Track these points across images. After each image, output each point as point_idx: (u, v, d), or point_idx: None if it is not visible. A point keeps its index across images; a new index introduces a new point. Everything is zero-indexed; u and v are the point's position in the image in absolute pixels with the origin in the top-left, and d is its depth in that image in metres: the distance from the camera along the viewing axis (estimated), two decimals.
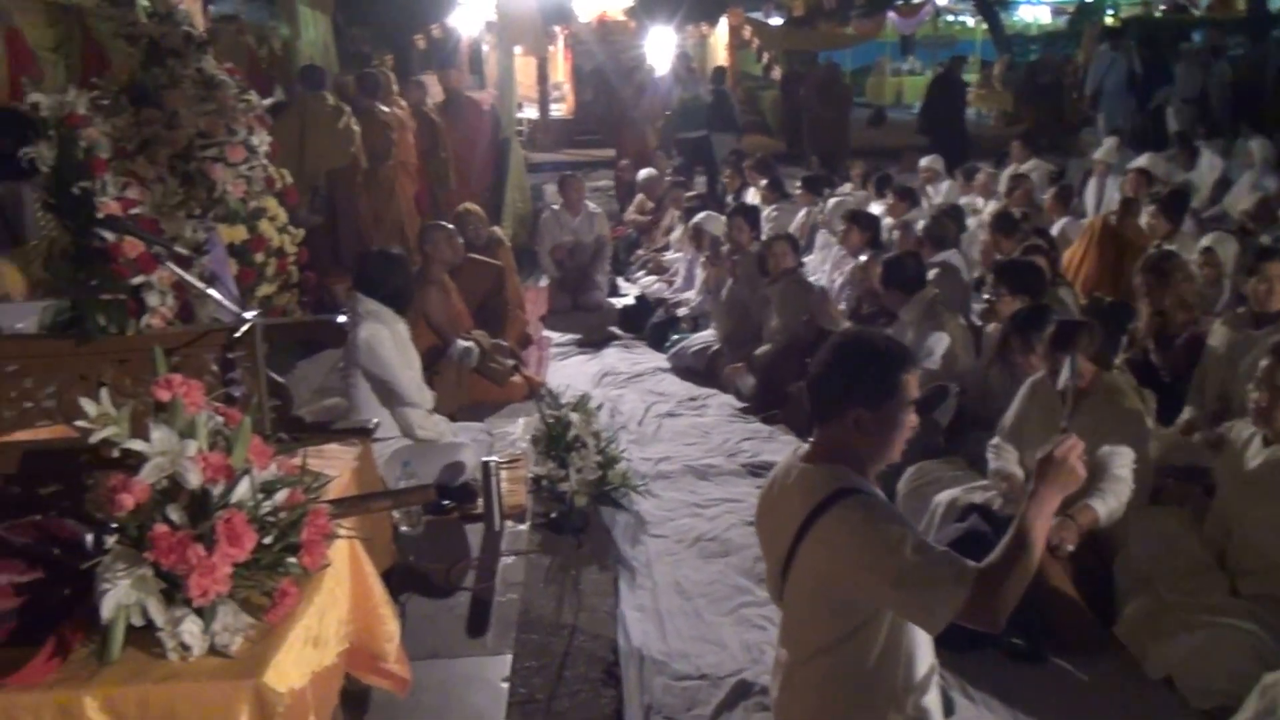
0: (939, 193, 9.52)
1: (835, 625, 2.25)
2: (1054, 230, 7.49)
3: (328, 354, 6.66)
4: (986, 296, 5.35)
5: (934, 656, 2.37)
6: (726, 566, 4.38)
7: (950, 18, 26.46)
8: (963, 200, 8.87)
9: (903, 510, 4.38)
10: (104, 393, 1.93)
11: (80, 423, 1.89)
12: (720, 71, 13.79)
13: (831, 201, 8.81)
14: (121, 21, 5.70)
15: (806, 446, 2.37)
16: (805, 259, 7.52)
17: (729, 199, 10.00)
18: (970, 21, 25.73)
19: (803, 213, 8.96)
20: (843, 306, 6.83)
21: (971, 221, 8.18)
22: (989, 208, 8.35)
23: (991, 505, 3.98)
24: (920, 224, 7.20)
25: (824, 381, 2.28)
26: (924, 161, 10.14)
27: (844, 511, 2.16)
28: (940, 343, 5.08)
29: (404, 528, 4.23)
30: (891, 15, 19.90)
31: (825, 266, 7.68)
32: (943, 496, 4.19)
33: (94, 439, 1.87)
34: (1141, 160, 9.22)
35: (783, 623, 2.47)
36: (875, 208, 8.30)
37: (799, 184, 9.63)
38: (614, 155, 13.78)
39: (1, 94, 5.08)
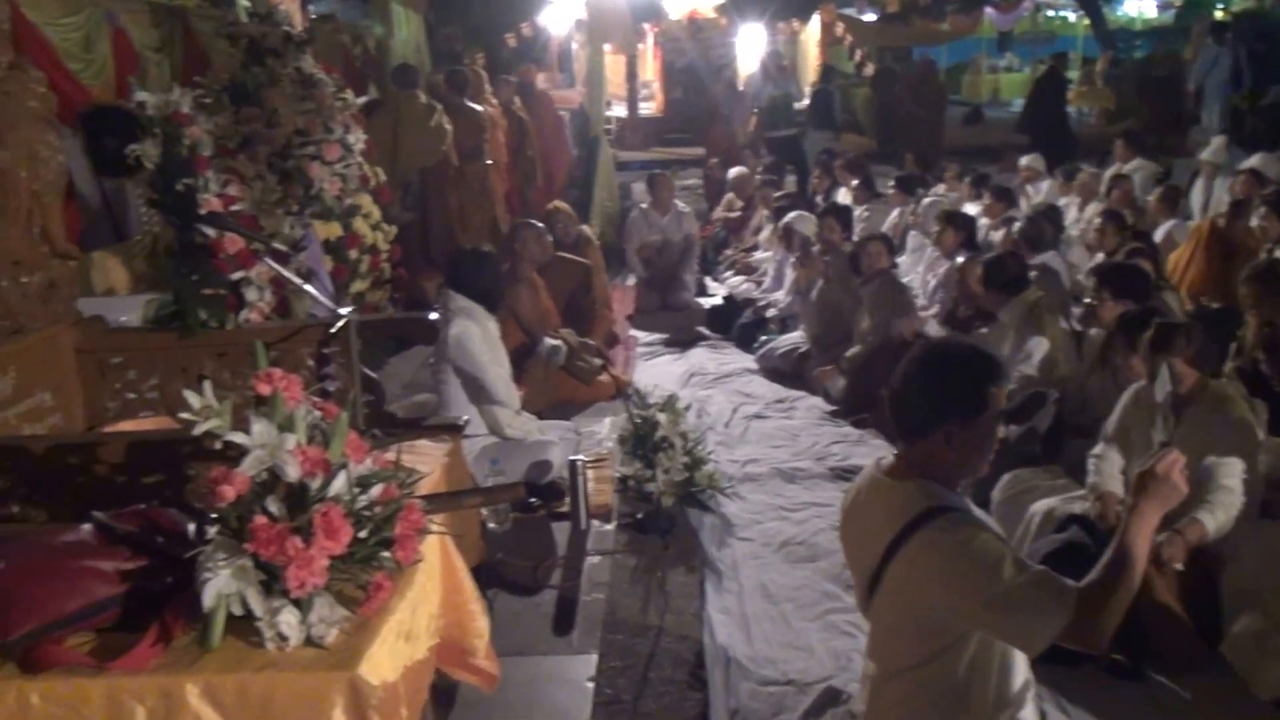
0: (1039, 192, 9.27)
1: (925, 643, 2.18)
2: (1160, 233, 7.24)
3: (418, 350, 6.75)
4: (1088, 300, 5.19)
5: (1030, 671, 2.29)
6: (814, 571, 4.32)
7: (1050, 13, 25.72)
8: (1061, 201, 8.62)
9: (997, 518, 4.28)
10: (207, 386, 1.96)
11: (184, 415, 1.93)
12: (829, 69, 13.65)
13: (925, 202, 8.64)
14: (222, 22, 5.86)
15: (890, 458, 2.29)
16: (897, 260, 7.38)
17: (818, 199, 9.88)
18: (1071, 16, 25.00)
19: (895, 213, 8.81)
20: (936, 309, 6.70)
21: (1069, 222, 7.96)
22: (1089, 211, 8.09)
23: (1091, 515, 3.85)
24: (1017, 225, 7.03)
25: (912, 398, 2.19)
26: (1024, 160, 9.87)
27: (934, 533, 2.08)
28: (1039, 347, 4.93)
29: (491, 524, 4.26)
30: (989, 10, 19.40)
31: (919, 268, 7.54)
32: (1039, 506, 4.08)
33: (197, 431, 1.90)
34: (1253, 160, 8.84)
35: (870, 635, 2.40)
36: (970, 208, 8.12)
37: (891, 184, 9.47)
38: (703, 154, 13.73)
39: (108, 93, 5.25)
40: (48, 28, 4.80)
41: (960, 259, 6.46)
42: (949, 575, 2.07)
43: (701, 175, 12.94)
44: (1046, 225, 6.78)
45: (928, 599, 2.13)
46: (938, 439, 2.14)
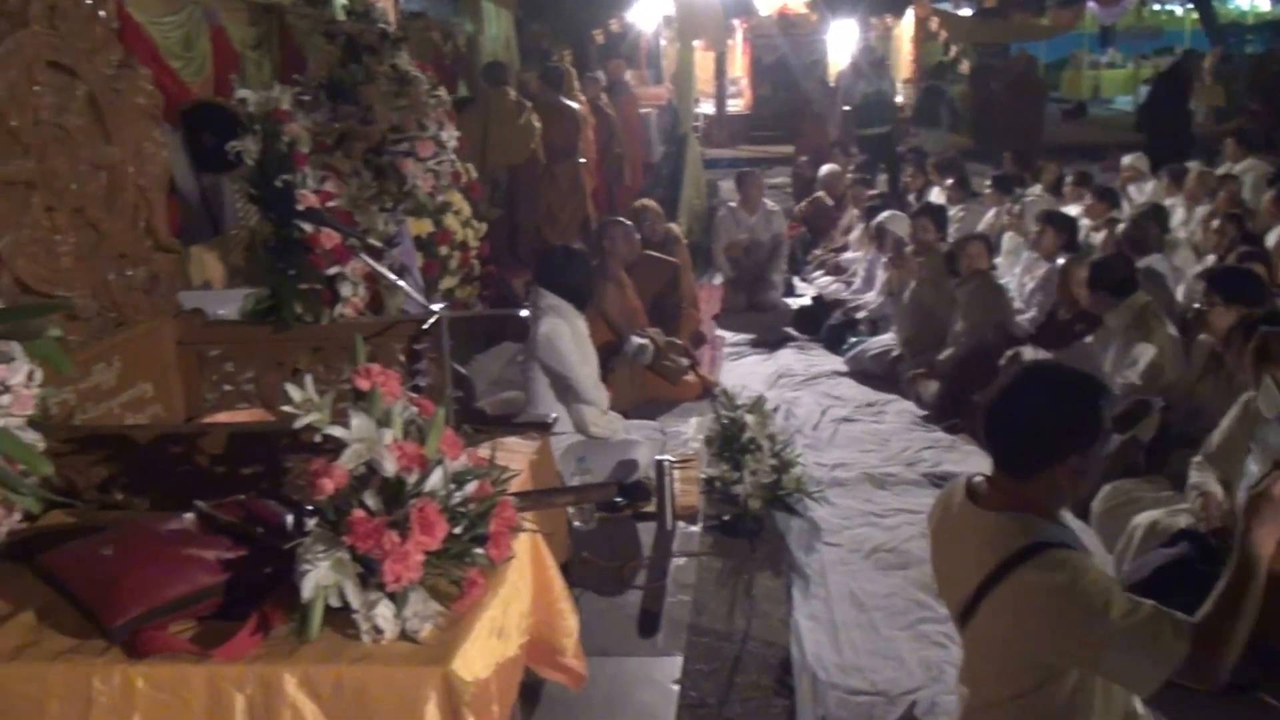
0: (1142, 193, 8.95)
1: (1023, 677, 2.09)
2: (1273, 236, 6.93)
3: (505, 346, 6.77)
4: (1197, 305, 4.98)
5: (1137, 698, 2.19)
6: (905, 579, 4.23)
7: (1156, 6, 24.87)
8: (1167, 202, 8.31)
9: (1096, 530, 4.14)
10: (308, 380, 1.97)
11: (285, 408, 1.94)
12: (940, 65, 13.41)
13: (1025, 201, 8.40)
14: (318, 19, 5.95)
15: (982, 482, 2.19)
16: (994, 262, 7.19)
17: (910, 198, 9.69)
18: (1178, 10, 24.15)
19: (991, 213, 8.58)
20: (1034, 313, 6.51)
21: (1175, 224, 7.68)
22: (1198, 212, 7.78)
23: (1193, 512, 3.73)
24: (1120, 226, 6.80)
25: (1022, 435, 2.09)
26: (1126, 160, 9.52)
27: (1034, 574, 1.99)
28: (1145, 354, 4.73)
29: (577, 523, 4.24)
30: (1091, 4, 18.82)
31: (1015, 270, 7.32)
32: (1143, 518, 3.94)
33: (299, 424, 1.92)
34: None
35: (965, 660, 2.32)
36: (1070, 209, 7.87)
37: (987, 183, 9.23)
38: (792, 152, 13.58)
39: (207, 90, 5.37)
40: (150, 26, 4.92)
41: (1061, 260, 6.27)
42: (1052, 618, 1.98)
43: (790, 173, 12.80)
44: (1151, 226, 6.54)
45: (1031, 639, 2.05)
46: (1058, 473, 2.05)
